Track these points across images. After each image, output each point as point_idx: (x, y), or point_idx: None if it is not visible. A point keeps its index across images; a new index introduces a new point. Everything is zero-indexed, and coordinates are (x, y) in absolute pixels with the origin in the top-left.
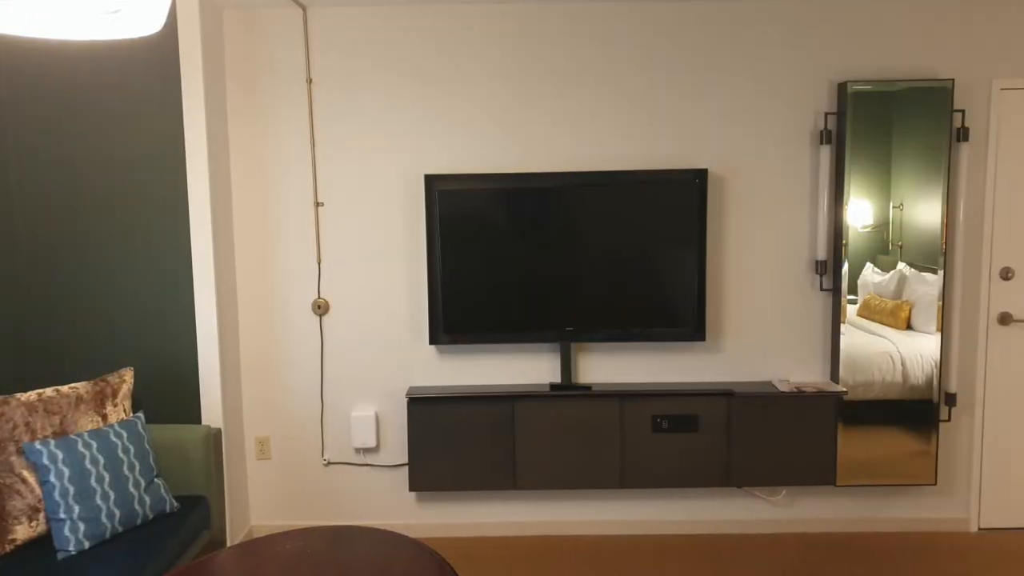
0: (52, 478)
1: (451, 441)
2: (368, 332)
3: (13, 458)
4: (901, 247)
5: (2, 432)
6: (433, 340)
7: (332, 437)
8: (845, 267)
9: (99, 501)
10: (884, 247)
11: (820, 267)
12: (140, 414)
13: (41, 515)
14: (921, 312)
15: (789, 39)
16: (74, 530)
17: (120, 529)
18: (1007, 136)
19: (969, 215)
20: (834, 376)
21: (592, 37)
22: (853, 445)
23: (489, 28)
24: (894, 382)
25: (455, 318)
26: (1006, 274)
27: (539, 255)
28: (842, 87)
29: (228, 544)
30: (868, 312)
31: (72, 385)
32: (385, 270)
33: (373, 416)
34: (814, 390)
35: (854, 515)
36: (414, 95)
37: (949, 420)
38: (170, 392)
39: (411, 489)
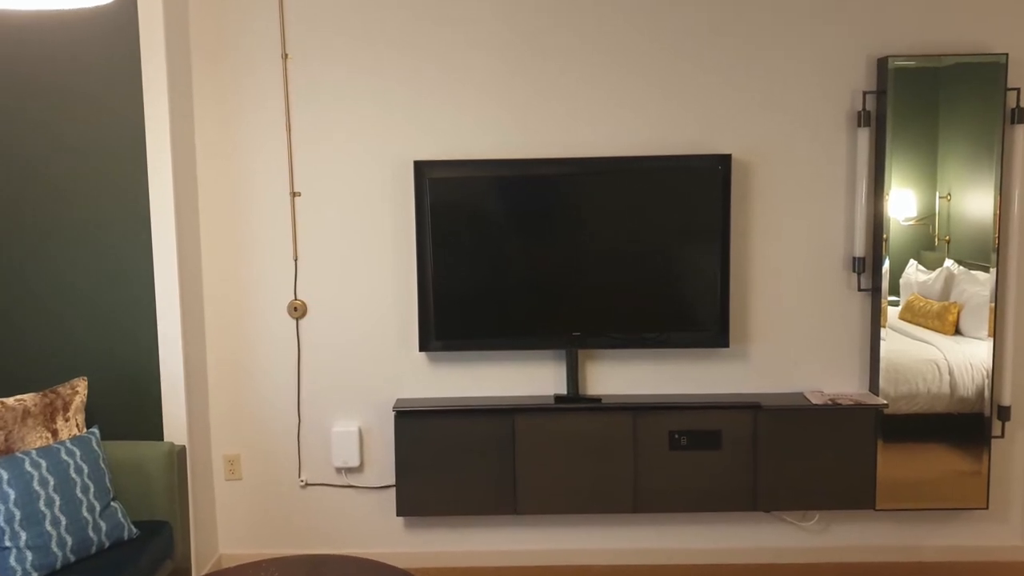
0: None
1: (444, 460)
2: (351, 338)
3: None
4: (948, 242)
5: None
6: (423, 347)
7: (310, 455)
8: (886, 265)
9: (49, 527)
10: (929, 242)
11: (858, 265)
12: (95, 429)
13: None
14: (971, 315)
15: (823, 9)
16: (21, 559)
17: (72, 558)
18: None
19: None
20: (873, 387)
21: (602, 6)
22: (895, 464)
23: None
24: (940, 393)
25: (448, 322)
26: None
27: (542, 251)
28: (882, 63)
29: (194, 575)
30: (911, 315)
31: (18, 397)
32: (370, 268)
33: (356, 432)
34: (851, 402)
35: (896, 542)
36: (403, 72)
37: (1002, 436)
38: (128, 405)
39: (399, 514)
